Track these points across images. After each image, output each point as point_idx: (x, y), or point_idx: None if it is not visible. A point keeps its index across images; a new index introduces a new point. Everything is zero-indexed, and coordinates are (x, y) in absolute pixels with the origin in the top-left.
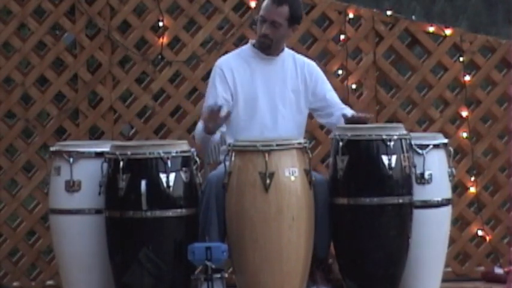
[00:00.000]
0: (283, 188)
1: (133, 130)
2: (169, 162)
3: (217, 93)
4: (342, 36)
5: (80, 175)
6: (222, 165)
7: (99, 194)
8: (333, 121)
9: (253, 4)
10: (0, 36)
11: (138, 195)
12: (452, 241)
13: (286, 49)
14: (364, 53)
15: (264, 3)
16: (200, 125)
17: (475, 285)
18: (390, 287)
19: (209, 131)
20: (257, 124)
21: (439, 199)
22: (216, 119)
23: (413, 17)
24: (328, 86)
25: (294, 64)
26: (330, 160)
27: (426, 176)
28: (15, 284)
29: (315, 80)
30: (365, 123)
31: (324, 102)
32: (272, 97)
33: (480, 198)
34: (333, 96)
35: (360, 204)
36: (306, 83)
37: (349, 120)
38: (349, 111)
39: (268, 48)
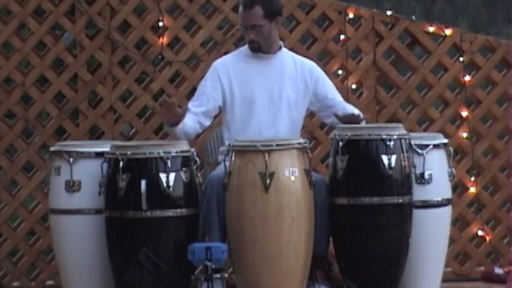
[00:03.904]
0: (283, 188)
1: (133, 130)
2: (169, 162)
3: (205, 89)
4: (342, 36)
5: (80, 175)
6: (222, 166)
7: (99, 194)
8: (336, 121)
9: None
10: (0, 36)
11: (138, 195)
12: (452, 241)
13: (284, 49)
14: (364, 53)
15: (239, 12)
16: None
17: (475, 285)
18: (390, 287)
19: (168, 122)
20: (254, 122)
21: (439, 199)
22: (170, 111)
23: (413, 17)
24: (329, 85)
25: (293, 64)
26: (330, 160)
27: (426, 176)
28: (15, 284)
29: (316, 80)
30: (357, 122)
31: (326, 102)
32: (270, 95)
33: (480, 198)
34: (335, 95)
35: (359, 204)
36: (306, 83)
37: (340, 120)
38: (350, 109)
39: (259, 50)
